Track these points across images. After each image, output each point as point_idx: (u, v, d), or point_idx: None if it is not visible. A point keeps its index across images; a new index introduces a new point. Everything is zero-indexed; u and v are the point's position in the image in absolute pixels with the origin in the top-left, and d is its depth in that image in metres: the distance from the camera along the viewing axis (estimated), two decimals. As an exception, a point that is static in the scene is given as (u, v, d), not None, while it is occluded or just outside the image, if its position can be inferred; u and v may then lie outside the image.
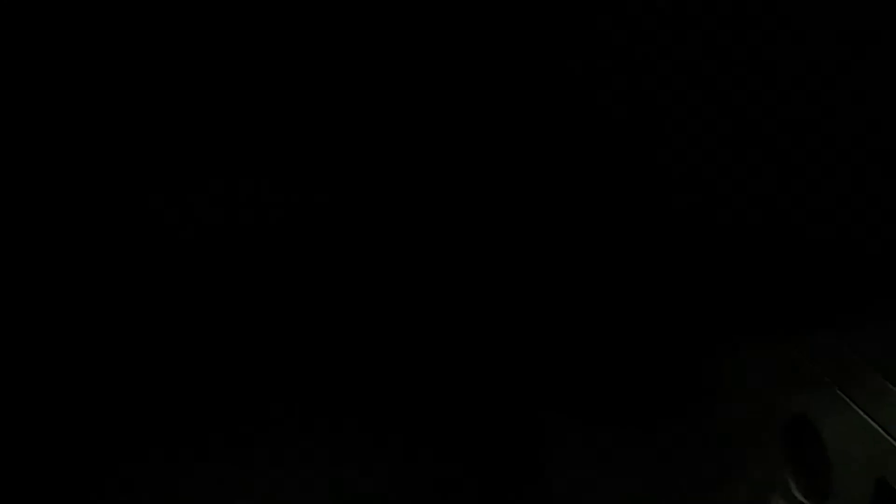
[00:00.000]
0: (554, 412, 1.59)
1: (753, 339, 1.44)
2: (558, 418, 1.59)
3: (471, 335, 1.57)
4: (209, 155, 1.42)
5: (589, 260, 1.55)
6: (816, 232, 1.39)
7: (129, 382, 1.47)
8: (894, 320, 1.30)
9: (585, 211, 1.52)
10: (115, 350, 1.45)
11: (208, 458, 1.48)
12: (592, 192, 1.51)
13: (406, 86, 1.42)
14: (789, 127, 1.41)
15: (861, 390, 1.19)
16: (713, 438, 1.51)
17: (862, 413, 1.16)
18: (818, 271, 1.39)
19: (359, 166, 1.47)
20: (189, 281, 1.45)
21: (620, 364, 1.59)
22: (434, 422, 1.56)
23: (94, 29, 1.28)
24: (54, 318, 1.43)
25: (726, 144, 1.45)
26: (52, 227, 1.39)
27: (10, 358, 1.41)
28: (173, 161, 1.41)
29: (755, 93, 1.39)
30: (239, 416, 1.50)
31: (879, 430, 1.13)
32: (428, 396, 1.57)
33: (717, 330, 1.51)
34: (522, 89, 1.45)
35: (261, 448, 1.50)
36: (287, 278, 1.49)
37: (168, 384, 1.48)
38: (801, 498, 1.32)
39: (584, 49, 1.42)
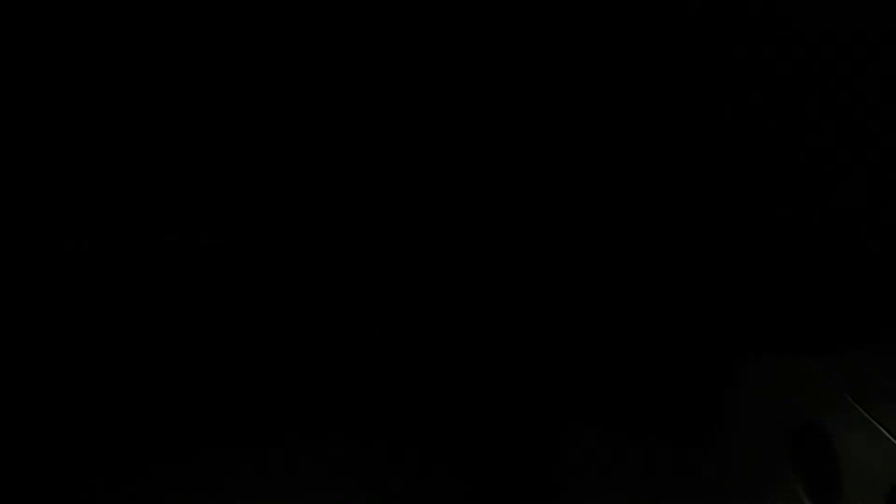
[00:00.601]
0: (564, 418, 1.60)
1: (766, 347, 1.44)
2: (569, 424, 1.59)
3: (490, 345, 1.58)
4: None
5: (607, 270, 1.55)
6: (832, 242, 1.40)
7: (155, 395, 1.48)
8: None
9: (601, 221, 1.53)
10: (140, 365, 1.47)
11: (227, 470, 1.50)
12: (610, 205, 1.52)
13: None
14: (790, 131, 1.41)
15: (873, 398, 1.20)
16: (724, 445, 1.52)
17: (874, 421, 1.17)
18: (832, 281, 1.39)
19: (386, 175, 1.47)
20: (204, 291, 1.46)
21: (634, 371, 1.59)
22: (448, 431, 1.57)
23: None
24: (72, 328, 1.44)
25: (735, 148, 1.45)
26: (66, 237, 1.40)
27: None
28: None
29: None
30: (254, 428, 1.51)
31: (892, 438, 1.13)
32: (442, 406, 1.57)
33: (730, 338, 1.51)
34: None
35: (274, 461, 1.51)
36: (303, 288, 1.50)
37: (199, 396, 1.50)
38: (811, 505, 1.33)
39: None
